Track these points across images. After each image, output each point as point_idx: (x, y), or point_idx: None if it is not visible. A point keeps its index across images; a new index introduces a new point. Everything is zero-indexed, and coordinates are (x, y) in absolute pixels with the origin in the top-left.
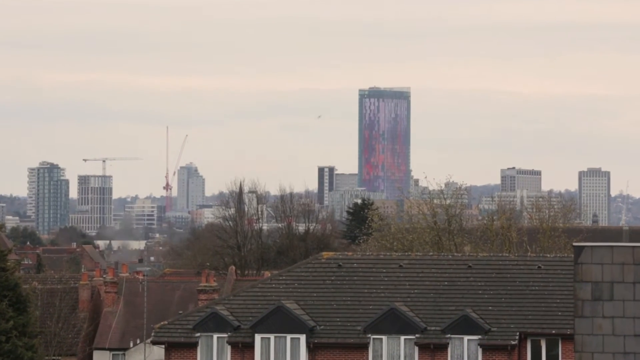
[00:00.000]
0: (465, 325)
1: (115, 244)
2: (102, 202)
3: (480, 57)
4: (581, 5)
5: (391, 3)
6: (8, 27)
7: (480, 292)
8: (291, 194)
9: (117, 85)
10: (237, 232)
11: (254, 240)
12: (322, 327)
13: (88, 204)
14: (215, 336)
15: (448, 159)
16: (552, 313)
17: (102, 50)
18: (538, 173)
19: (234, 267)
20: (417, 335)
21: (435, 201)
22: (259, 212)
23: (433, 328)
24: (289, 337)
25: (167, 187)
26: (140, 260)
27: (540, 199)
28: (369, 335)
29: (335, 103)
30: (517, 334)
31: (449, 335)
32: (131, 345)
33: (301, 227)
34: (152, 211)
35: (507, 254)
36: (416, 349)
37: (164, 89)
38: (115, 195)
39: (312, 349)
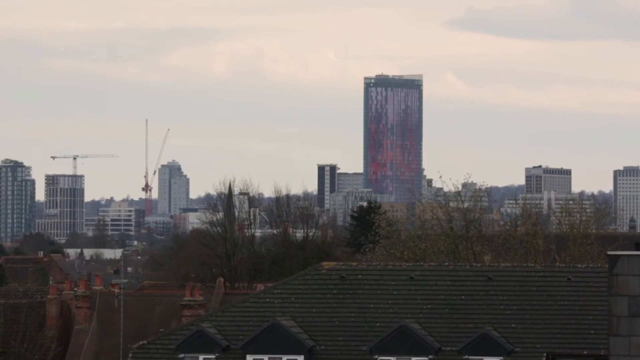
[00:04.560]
0: (485, 345)
1: (88, 253)
2: (73, 206)
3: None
4: None
5: None
6: None
7: (502, 307)
8: (288, 196)
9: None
10: (226, 239)
11: (245, 249)
12: (322, 347)
13: (57, 207)
14: (201, 357)
15: (466, 157)
16: (584, 331)
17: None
18: (568, 172)
19: (222, 279)
20: (430, 357)
21: (451, 204)
22: (251, 217)
23: (448, 348)
24: (284, 358)
25: (146, 188)
26: (116, 271)
27: (571, 202)
28: (376, 356)
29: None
30: (544, 354)
31: (466, 357)
32: None
33: (299, 234)
34: (130, 216)
35: (533, 264)
36: None
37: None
38: (88, 197)
39: None
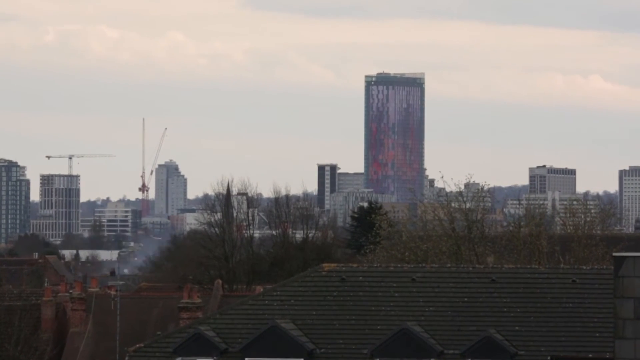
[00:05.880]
0: (488, 348)
1: (84, 254)
2: (69, 206)
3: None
4: None
5: None
6: None
7: (505, 309)
8: (287, 197)
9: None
10: (224, 240)
11: (243, 250)
12: (322, 350)
13: (52, 207)
14: None
15: (468, 156)
16: (589, 334)
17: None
18: (572, 172)
19: (220, 281)
20: None
21: (453, 205)
22: (250, 218)
23: (451, 351)
24: None
25: (143, 188)
26: (112, 273)
27: (575, 202)
28: (377, 359)
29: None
30: (548, 358)
31: None
32: None
33: (298, 235)
34: (126, 216)
35: (537, 266)
36: None
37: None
38: (84, 197)
39: None
